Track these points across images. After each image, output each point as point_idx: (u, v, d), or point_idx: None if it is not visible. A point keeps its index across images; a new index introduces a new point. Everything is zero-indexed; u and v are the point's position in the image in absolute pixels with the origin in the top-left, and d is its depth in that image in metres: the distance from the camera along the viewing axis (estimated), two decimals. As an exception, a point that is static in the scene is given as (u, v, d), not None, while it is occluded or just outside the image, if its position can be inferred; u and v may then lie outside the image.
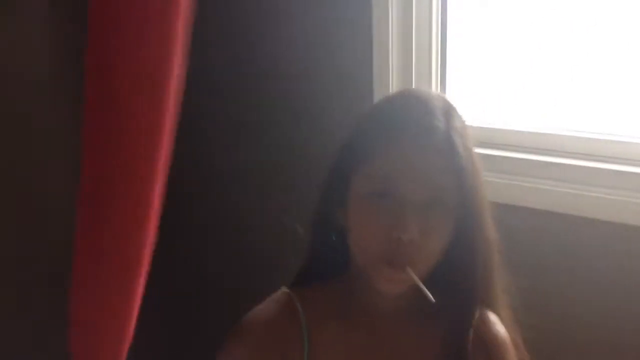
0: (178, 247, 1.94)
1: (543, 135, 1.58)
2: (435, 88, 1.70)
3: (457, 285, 0.90)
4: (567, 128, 1.57)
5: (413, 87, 1.69)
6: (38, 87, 1.61)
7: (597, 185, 1.44)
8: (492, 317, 0.96)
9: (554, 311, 1.48)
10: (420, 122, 0.88)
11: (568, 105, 1.58)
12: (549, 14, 1.55)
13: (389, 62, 1.65)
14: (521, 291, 0.99)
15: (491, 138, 1.60)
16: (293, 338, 0.93)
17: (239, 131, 1.99)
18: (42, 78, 1.66)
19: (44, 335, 1.45)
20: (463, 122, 0.94)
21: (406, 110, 0.91)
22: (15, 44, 1.51)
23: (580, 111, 1.56)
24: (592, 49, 1.51)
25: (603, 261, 1.44)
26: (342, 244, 0.93)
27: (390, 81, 1.66)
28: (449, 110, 0.92)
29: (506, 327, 0.96)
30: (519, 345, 0.97)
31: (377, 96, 1.67)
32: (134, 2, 0.79)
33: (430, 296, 0.86)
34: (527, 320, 1.01)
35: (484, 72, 1.69)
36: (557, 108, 1.59)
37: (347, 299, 0.95)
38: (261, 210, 1.93)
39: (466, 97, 1.71)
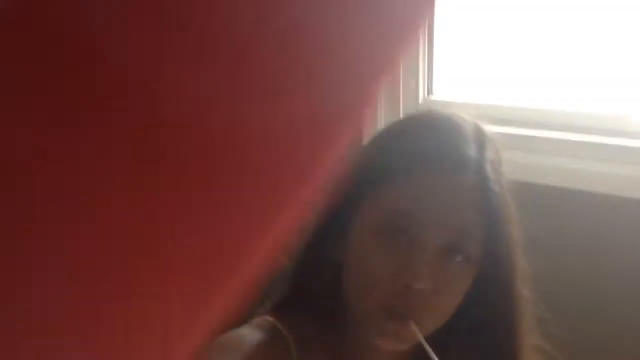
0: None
1: (535, 109, 1.59)
2: (422, 64, 1.70)
3: (472, 347, 0.77)
4: (559, 101, 1.58)
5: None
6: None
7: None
8: None
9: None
10: (452, 151, 0.74)
11: (563, 80, 1.58)
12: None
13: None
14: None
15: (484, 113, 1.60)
16: None
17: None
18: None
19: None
20: (497, 152, 0.78)
21: (435, 135, 0.76)
22: None
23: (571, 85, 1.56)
24: (580, 23, 1.50)
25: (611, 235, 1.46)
26: (334, 284, 0.78)
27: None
28: (482, 138, 0.77)
29: None
30: None
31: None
32: None
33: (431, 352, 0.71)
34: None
35: (472, 46, 1.68)
36: (555, 83, 1.59)
37: (337, 345, 0.79)
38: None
39: (454, 71, 1.71)
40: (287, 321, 0.80)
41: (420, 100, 1.72)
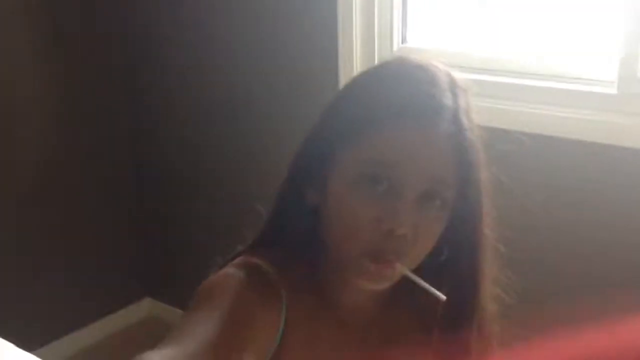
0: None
1: (507, 57, 1.65)
2: (396, 12, 1.74)
3: (441, 278, 0.80)
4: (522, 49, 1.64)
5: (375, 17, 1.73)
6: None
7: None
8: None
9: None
10: (428, 101, 0.75)
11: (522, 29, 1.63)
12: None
13: None
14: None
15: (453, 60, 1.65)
16: (272, 308, 0.78)
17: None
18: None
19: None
20: (469, 100, 0.80)
21: (411, 84, 0.77)
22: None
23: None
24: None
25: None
26: (310, 229, 0.80)
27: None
28: (455, 86, 0.78)
29: (488, 320, 0.85)
30: (493, 342, 0.86)
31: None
32: None
33: (441, 295, 0.76)
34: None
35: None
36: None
37: (319, 286, 0.82)
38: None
39: (428, 19, 1.75)
40: (271, 263, 0.81)
41: (395, 48, 1.77)
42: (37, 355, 1.22)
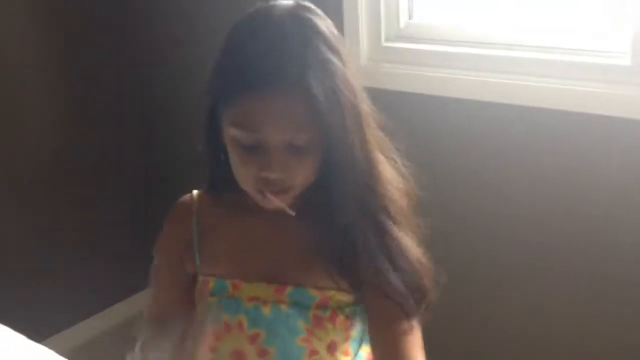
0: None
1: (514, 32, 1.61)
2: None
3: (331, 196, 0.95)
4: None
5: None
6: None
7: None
8: None
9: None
10: (272, 61, 0.87)
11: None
12: None
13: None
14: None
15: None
16: (184, 231, 1.08)
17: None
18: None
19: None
20: (331, 45, 0.91)
21: (259, 43, 0.89)
22: None
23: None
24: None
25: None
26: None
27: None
28: (307, 34, 0.89)
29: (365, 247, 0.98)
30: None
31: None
32: None
33: (291, 211, 0.95)
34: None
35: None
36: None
37: (238, 204, 1.04)
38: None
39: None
40: (204, 193, 1.10)
41: (402, 25, 1.74)
42: (47, 345, 1.21)
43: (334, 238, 0.97)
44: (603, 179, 1.50)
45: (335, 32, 0.94)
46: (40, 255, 2.13)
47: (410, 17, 1.75)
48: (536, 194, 1.59)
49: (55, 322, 2.16)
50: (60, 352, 1.20)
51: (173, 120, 2.27)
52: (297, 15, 0.91)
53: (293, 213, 0.96)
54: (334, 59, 0.90)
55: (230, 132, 0.92)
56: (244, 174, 0.95)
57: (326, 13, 0.96)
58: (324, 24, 0.93)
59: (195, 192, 1.11)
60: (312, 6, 0.94)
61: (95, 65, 2.18)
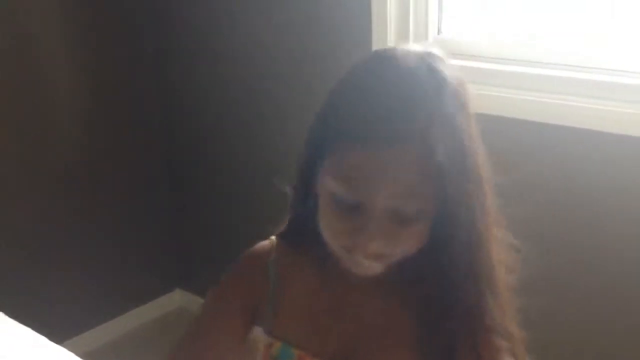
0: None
1: (544, 48, 1.60)
2: (432, 2, 1.70)
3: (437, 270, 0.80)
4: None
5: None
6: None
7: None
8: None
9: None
10: (401, 114, 0.72)
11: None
12: None
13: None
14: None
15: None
16: (260, 280, 0.91)
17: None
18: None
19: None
20: (459, 99, 0.76)
21: (385, 89, 0.74)
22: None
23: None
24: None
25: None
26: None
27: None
28: (439, 86, 0.74)
29: (487, 329, 0.83)
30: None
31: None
32: None
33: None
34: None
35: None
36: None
37: (321, 261, 0.87)
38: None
39: (463, 10, 1.71)
40: (284, 243, 0.92)
41: (430, 39, 1.73)
42: (67, 347, 1.22)
43: (434, 327, 0.81)
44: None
45: (463, 81, 0.78)
46: (56, 258, 2.15)
47: (438, 32, 1.75)
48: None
49: (75, 325, 2.19)
50: (80, 355, 1.20)
51: (197, 122, 2.29)
52: (429, 65, 0.76)
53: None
54: (461, 116, 0.75)
55: (329, 185, 0.76)
56: (334, 231, 0.78)
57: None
58: (455, 75, 0.77)
59: (273, 237, 0.93)
60: (441, 54, 0.78)
61: (125, 66, 2.21)
